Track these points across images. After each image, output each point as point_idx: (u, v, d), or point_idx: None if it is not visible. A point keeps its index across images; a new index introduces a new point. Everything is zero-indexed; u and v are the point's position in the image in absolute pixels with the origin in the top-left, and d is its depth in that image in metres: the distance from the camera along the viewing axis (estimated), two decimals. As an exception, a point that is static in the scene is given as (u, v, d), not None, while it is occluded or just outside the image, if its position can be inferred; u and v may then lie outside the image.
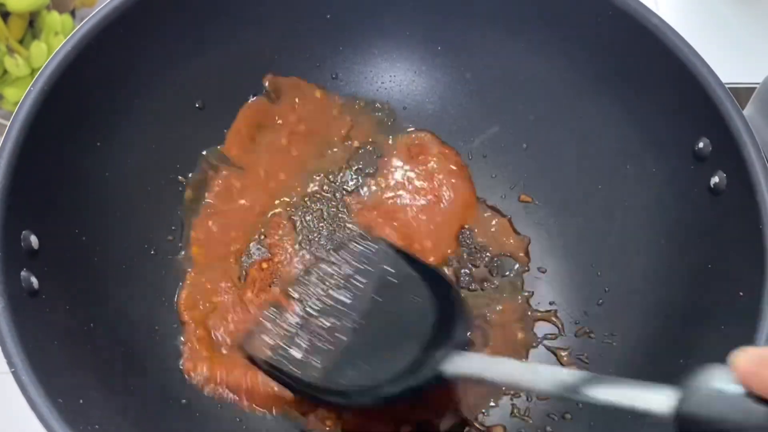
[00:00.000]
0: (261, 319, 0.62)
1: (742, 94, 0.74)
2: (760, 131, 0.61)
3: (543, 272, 0.73)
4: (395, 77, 0.79)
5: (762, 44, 0.94)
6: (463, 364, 0.52)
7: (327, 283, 0.62)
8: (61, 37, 0.83)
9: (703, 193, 0.61)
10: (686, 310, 0.61)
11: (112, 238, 0.65)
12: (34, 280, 0.54)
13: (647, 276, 0.66)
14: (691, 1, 0.98)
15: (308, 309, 0.61)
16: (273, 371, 0.59)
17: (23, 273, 0.53)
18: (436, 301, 0.58)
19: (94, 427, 0.51)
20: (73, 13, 0.88)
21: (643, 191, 0.68)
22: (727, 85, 0.60)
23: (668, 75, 0.63)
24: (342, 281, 0.62)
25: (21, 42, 0.82)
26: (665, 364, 0.59)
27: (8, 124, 0.55)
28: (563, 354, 0.69)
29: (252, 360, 0.60)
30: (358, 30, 0.77)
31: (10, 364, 0.49)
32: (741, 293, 0.55)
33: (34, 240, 0.55)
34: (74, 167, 0.62)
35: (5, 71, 0.81)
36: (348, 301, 0.60)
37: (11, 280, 0.52)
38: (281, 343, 0.59)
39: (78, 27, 0.61)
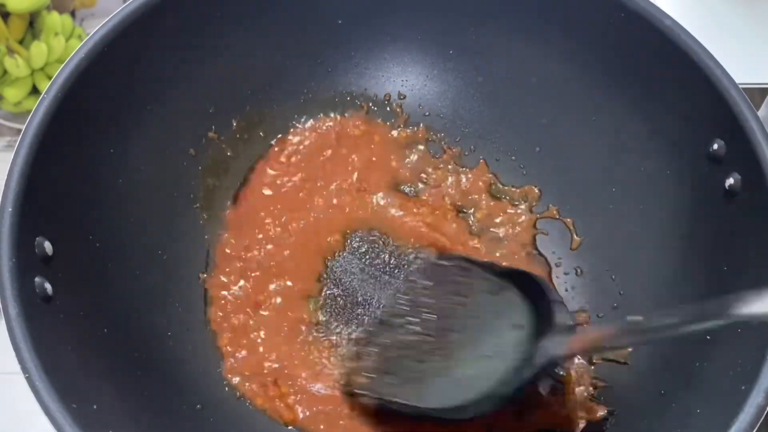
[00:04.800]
0: (355, 352, 0.66)
1: (755, 94, 0.74)
2: (775, 132, 0.60)
3: (555, 276, 0.73)
4: (407, 81, 0.79)
5: (760, 44, 0.94)
6: (573, 342, 0.53)
7: (411, 308, 0.64)
8: (61, 37, 0.83)
9: (718, 195, 0.60)
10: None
11: (125, 245, 0.65)
12: (48, 286, 0.54)
13: (662, 279, 0.66)
14: (691, 2, 0.97)
15: (401, 337, 0.63)
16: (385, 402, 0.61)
17: (37, 279, 0.54)
18: (526, 297, 0.59)
19: (108, 432, 0.52)
20: (73, 14, 0.88)
21: (657, 194, 0.67)
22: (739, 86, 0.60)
23: (682, 76, 0.63)
24: (427, 303, 0.63)
25: (21, 42, 0.82)
26: (681, 368, 0.58)
27: (8, 124, 0.56)
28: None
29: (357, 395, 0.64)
30: (370, 35, 0.77)
31: (24, 369, 0.49)
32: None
33: (48, 246, 0.56)
34: (87, 174, 0.62)
35: (5, 72, 0.81)
36: (438, 320, 0.61)
37: (25, 287, 0.52)
38: (387, 375, 0.62)
39: (91, 34, 0.61)
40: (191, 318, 0.68)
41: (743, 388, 0.50)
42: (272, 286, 0.71)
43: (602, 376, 0.66)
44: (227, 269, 0.71)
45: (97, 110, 0.63)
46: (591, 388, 0.66)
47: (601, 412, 0.64)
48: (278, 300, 0.70)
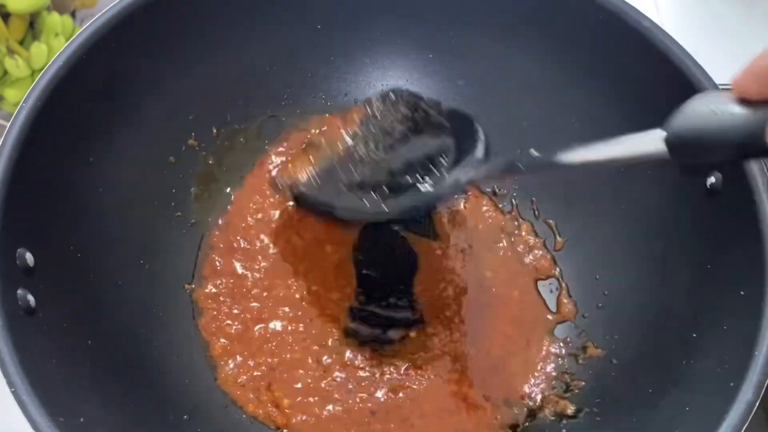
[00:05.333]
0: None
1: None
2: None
3: (543, 278, 0.73)
4: (387, 86, 0.79)
5: (760, 45, 0.94)
6: (478, 171, 0.60)
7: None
8: (61, 38, 0.82)
9: (700, 194, 0.61)
10: (687, 311, 0.61)
11: (107, 254, 0.64)
12: (30, 298, 0.53)
13: (646, 278, 0.66)
14: (690, 2, 0.98)
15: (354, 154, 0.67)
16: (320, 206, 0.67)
17: (20, 291, 0.53)
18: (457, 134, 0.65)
19: (96, 445, 0.51)
20: (73, 15, 0.87)
21: (639, 194, 0.68)
22: (726, 87, 0.60)
23: (661, 77, 0.63)
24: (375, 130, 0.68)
25: (21, 43, 0.81)
26: (668, 367, 0.59)
27: (8, 125, 0.55)
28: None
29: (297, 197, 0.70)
30: (349, 40, 0.77)
31: (10, 383, 0.48)
32: (742, 292, 0.55)
33: (29, 257, 0.55)
34: (68, 183, 0.61)
35: (5, 72, 0.80)
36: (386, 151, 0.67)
37: (8, 299, 0.51)
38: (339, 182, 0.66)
39: (67, 43, 0.60)
40: (177, 328, 0.68)
41: (732, 384, 0.50)
42: (271, 302, 0.71)
43: (590, 375, 0.67)
44: (218, 282, 0.71)
45: (76, 119, 0.62)
46: (565, 385, 0.67)
47: (570, 409, 0.65)
48: (283, 310, 0.71)
